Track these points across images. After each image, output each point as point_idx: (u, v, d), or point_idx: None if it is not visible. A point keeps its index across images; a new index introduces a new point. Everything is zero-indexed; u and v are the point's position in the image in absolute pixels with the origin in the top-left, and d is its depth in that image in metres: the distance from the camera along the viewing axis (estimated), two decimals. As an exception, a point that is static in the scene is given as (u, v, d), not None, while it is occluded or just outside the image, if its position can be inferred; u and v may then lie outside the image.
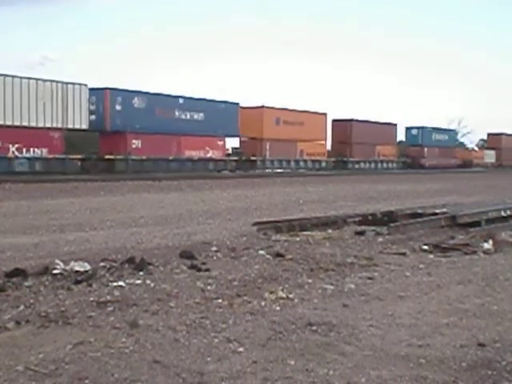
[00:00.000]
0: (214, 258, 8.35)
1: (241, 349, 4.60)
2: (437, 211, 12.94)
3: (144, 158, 37.04)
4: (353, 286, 6.81)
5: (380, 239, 10.29)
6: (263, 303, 5.94)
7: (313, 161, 50.96)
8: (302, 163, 49.85)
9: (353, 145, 54.62)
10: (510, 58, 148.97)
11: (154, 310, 5.58)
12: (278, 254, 8.52)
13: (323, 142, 52.82)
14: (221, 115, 41.54)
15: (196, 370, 4.16)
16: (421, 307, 5.95)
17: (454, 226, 11.72)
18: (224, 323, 5.24)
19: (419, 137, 64.24)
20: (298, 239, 10.19)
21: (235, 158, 44.44)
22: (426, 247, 9.53)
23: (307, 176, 40.33)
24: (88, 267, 7.18)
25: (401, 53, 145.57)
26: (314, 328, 5.15)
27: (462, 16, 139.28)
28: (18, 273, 6.82)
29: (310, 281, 6.99)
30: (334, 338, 4.93)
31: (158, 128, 37.54)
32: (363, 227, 11.58)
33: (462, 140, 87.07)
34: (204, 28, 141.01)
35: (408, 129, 65.34)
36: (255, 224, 11.77)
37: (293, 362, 4.35)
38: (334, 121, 54.97)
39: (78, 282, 6.52)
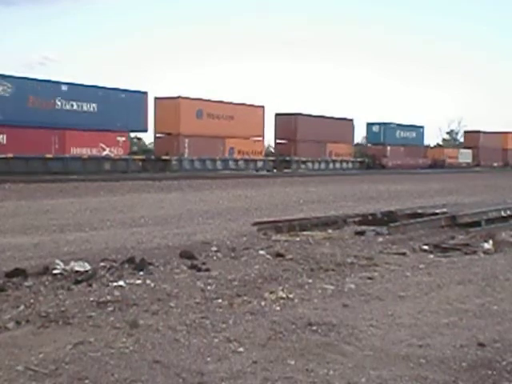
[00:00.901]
0: (214, 258, 8.35)
1: (241, 349, 4.60)
2: (437, 211, 12.94)
3: (10, 156, 30.05)
4: (353, 286, 6.81)
5: (380, 239, 10.29)
6: (263, 303, 5.94)
7: (246, 160, 44.00)
8: (231, 163, 42.99)
9: (298, 142, 47.79)
10: (511, 58, 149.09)
11: (154, 310, 5.58)
12: (278, 254, 8.52)
13: (260, 139, 45.82)
14: (121, 106, 34.84)
15: (196, 370, 4.16)
16: (421, 307, 5.95)
17: (454, 226, 11.73)
18: (224, 323, 5.24)
19: (381, 134, 57.53)
20: (298, 239, 10.19)
21: (141, 157, 37.93)
22: (426, 247, 9.53)
23: (306, 176, 40.32)
24: (88, 267, 7.18)
25: (401, 53, 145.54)
26: (314, 328, 5.15)
27: (462, 16, 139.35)
28: (18, 273, 6.83)
29: (310, 281, 6.99)
30: (333, 338, 4.93)
31: (32, 120, 30.65)
32: (363, 227, 11.58)
33: (462, 140, 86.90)
34: (201, 28, 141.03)
35: (369, 125, 58.90)
36: (255, 224, 11.78)
37: (293, 362, 4.35)
38: (278, 115, 48.39)
39: (77, 282, 6.52)
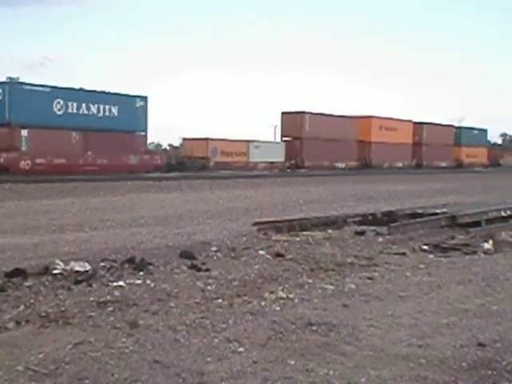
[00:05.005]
0: (214, 257, 8.35)
1: (241, 349, 4.60)
2: (437, 211, 12.94)
3: None
4: (353, 285, 6.81)
5: (380, 239, 10.28)
6: (263, 303, 5.94)
7: None
8: None
9: None
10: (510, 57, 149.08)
11: (154, 310, 5.58)
12: (278, 254, 8.52)
13: None
14: None
15: (196, 370, 4.16)
16: (421, 307, 5.95)
17: (454, 226, 11.72)
18: (224, 323, 5.23)
19: (5, 102, 28.34)
20: (298, 239, 10.19)
21: None
22: (426, 247, 9.53)
23: (307, 176, 40.26)
24: (88, 267, 7.18)
25: (401, 56, 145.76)
26: (314, 328, 5.15)
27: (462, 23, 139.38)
28: (18, 273, 6.83)
29: (310, 281, 6.99)
30: (333, 337, 4.93)
31: None
32: (363, 227, 11.58)
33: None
34: (197, 34, 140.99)
35: None
36: (255, 224, 11.77)
37: (293, 362, 4.35)
38: None
39: (77, 282, 6.52)
